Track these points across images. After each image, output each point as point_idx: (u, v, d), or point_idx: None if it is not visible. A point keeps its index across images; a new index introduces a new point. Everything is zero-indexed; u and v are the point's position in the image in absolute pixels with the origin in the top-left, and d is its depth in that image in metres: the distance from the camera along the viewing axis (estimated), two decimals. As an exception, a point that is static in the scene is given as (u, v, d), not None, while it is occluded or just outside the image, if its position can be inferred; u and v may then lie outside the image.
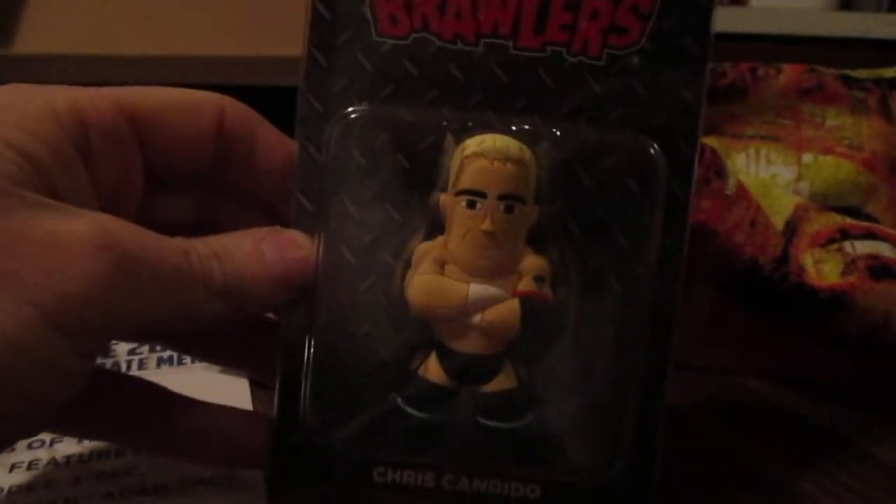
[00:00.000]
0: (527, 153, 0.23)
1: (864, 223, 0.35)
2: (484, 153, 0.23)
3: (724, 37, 0.45)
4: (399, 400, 0.24)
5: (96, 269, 0.19)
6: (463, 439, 0.24)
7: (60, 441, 0.30)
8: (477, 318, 0.23)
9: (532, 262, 0.23)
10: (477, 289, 0.23)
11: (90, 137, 0.23)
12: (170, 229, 0.22)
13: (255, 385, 0.34)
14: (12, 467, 0.28)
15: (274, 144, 0.26)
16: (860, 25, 1.05)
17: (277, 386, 0.24)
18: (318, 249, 0.24)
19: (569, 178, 0.24)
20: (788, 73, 0.41)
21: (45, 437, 0.30)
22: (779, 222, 0.34)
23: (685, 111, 0.24)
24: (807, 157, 0.40)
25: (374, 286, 0.24)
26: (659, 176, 0.23)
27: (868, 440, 0.31)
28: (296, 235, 0.24)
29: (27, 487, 0.27)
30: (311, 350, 0.24)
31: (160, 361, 0.36)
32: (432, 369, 0.23)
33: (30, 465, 0.28)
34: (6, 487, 0.27)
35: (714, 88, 0.41)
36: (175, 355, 0.37)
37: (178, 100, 0.25)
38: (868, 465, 0.30)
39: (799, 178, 0.40)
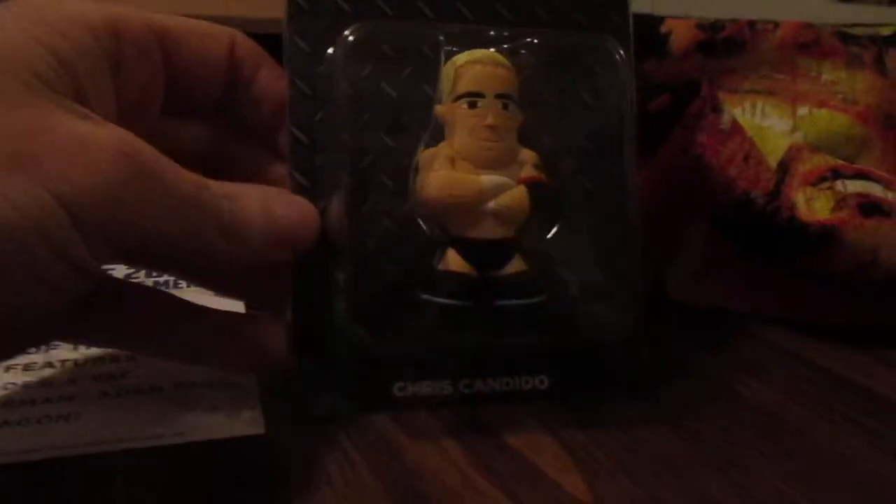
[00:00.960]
0: (509, 62, 0.26)
1: (855, 165, 0.35)
2: (477, 60, 0.26)
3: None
4: (425, 295, 0.25)
5: (115, 172, 0.20)
6: (484, 322, 0.25)
7: (56, 347, 0.30)
8: (491, 205, 0.25)
9: (528, 154, 0.26)
10: (489, 178, 0.25)
11: (122, 48, 0.23)
12: (179, 160, 0.22)
13: (250, 308, 0.34)
14: (8, 367, 0.28)
15: (276, 78, 0.27)
16: (861, 17, 1.05)
17: (292, 308, 0.25)
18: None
19: (545, 80, 0.27)
20: (786, 28, 0.41)
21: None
22: (772, 163, 0.35)
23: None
24: (802, 110, 0.41)
25: (376, 204, 0.26)
26: (622, 72, 0.27)
27: (858, 374, 0.32)
28: (302, 202, 0.25)
29: (22, 385, 0.27)
30: (328, 269, 0.25)
31: (157, 285, 0.36)
32: (453, 261, 0.25)
33: (26, 367, 0.29)
34: (1, 383, 0.27)
35: (712, 42, 0.42)
36: (171, 279, 0.37)
37: (197, 25, 0.26)
38: (863, 397, 0.30)
39: (794, 129, 0.40)
